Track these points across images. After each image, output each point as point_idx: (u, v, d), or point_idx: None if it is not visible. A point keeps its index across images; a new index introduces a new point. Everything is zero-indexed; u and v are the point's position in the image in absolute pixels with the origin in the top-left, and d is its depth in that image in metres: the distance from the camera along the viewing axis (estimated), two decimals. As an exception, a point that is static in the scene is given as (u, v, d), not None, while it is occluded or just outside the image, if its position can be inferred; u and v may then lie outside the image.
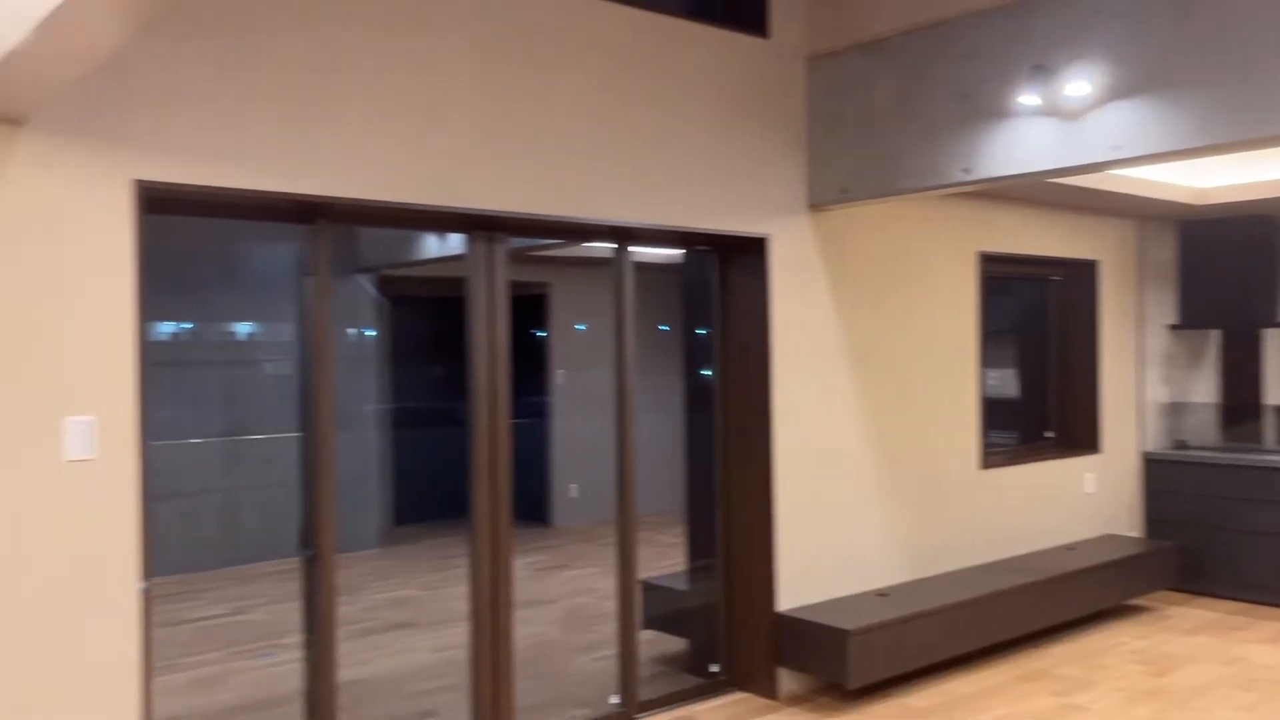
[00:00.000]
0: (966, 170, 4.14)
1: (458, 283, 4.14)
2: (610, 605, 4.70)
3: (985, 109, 4.05)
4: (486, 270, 4.02)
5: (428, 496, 8.57)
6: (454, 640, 5.38)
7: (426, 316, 9.03)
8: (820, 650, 4.45)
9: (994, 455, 5.85)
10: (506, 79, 3.78)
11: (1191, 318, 6.88)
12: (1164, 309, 6.96)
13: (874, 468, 5.08)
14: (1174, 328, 6.95)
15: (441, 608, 6.29)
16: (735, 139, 4.48)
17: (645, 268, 4.65)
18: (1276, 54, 3.27)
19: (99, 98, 2.92)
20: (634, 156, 4.15)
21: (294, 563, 6.30)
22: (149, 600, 3.05)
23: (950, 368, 5.51)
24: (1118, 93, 3.66)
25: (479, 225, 3.95)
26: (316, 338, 3.56)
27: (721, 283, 4.83)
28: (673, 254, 5.00)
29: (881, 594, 4.92)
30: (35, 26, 2.07)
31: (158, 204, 3.11)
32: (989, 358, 6.14)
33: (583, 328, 9.08)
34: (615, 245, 4.40)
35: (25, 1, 2.09)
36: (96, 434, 2.93)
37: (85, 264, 2.92)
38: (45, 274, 2.86)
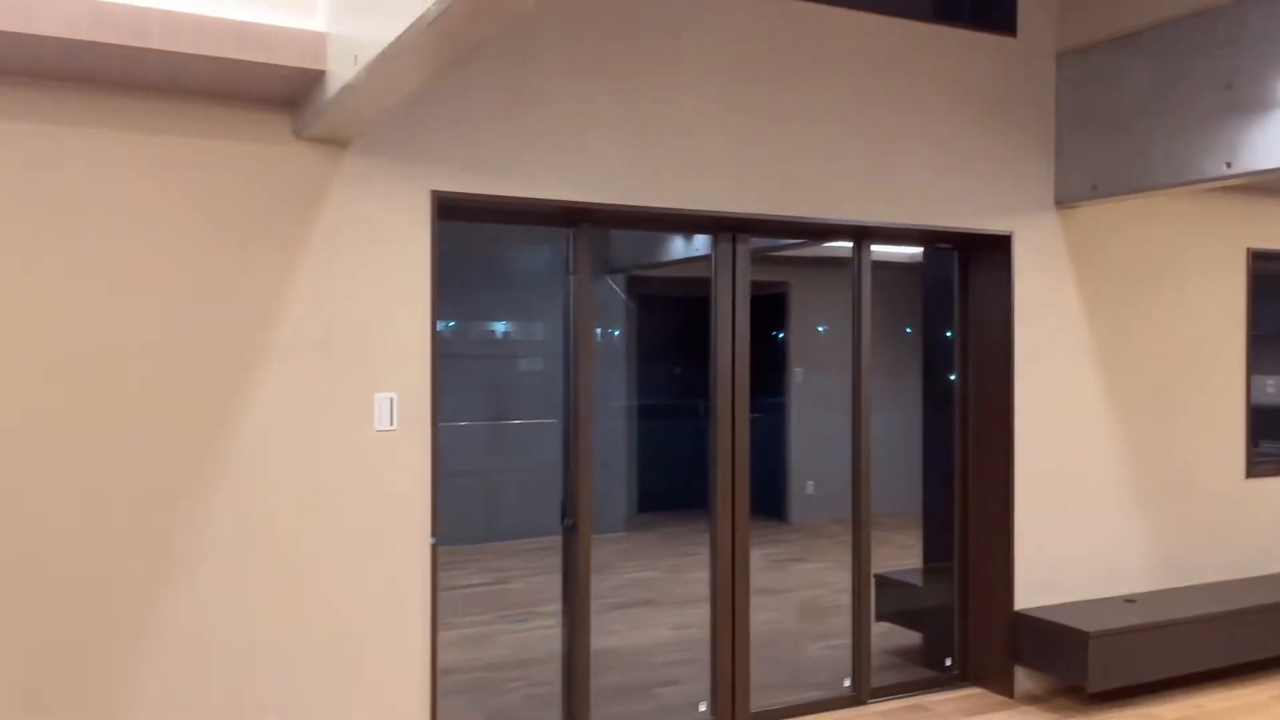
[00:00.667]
0: (1229, 164, 3.99)
1: (700, 283, 4.42)
2: (844, 599, 4.85)
3: (1249, 99, 3.89)
4: (730, 269, 4.29)
5: (667, 487, 8.96)
6: (692, 620, 5.69)
7: (669, 315, 9.45)
8: (1060, 651, 4.41)
9: (1263, 464, 5.50)
10: (752, 91, 4.02)
11: None
12: None
13: (1123, 472, 4.94)
14: None
15: (681, 590, 6.62)
16: (980, 137, 4.51)
17: (884, 267, 4.76)
18: None
19: (403, 122, 3.41)
20: (876, 157, 4.28)
21: (549, 540, 6.84)
22: (436, 553, 3.52)
23: (1212, 372, 5.25)
24: (1402, 77, 3.44)
25: (723, 226, 4.22)
26: (579, 330, 3.95)
27: (962, 281, 4.86)
28: (913, 253, 5.07)
29: (1129, 600, 4.79)
30: (366, 65, 2.52)
31: (449, 211, 3.58)
32: (1268, 363, 5.77)
33: (822, 329, 9.20)
34: (853, 244, 4.55)
35: (357, 43, 2.55)
36: (398, 409, 3.42)
37: (393, 263, 3.42)
38: (363, 272, 3.37)
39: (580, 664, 3.98)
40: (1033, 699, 4.60)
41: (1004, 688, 4.64)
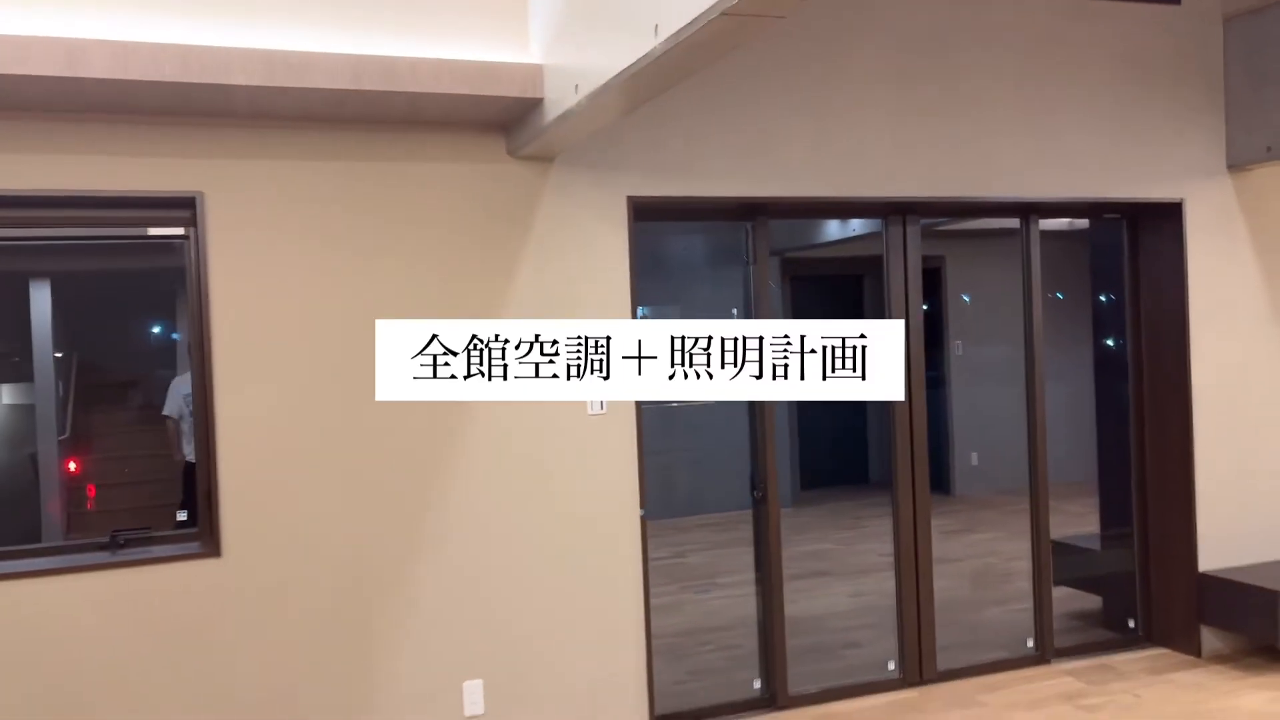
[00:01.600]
0: None
1: (854, 261, 4.63)
2: (1017, 565, 4.99)
3: None
4: (901, 250, 4.49)
5: (828, 464, 9.17)
6: (867, 588, 5.93)
7: (825, 295, 9.63)
8: (1248, 611, 4.45)
9: None
10: (917, 77, 4.21)
11: None
12: None
13: (1308, 432, 4.91)
14: None
15: (854, 560, 6.85)
16: (1146, 105, 4.57)
17: (1046, 235, 4.86)
18: None
19: (599, 135, 3.76)
20: (1041, 133, 4.41)
21: (719, 517, 7.15)
22: (645, 524, 3.88)
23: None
24: None
25: (893, 210, 4.42)
26: (759, 315, 4.24)
27: (1131, 250, 4.92)
28: (1077, 222, 5.15)
29: (1321, 561, 4.77)
30: (588, 95, 2.87)
31: (642, 213, 3.92)
32: None
33: (967, 299, 9.20)
34: (1020, 220, 4.68)
35: (578, 73, 2.90)
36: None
37: (597, 261, 3.79)
38: (571, 270, 3.76)
39: (776, 626, 4.28)
40: (1221, 658, 4.65)
41: (1191, 647, 4.71)
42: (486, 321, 3.58)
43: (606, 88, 2.75)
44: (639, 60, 2.50)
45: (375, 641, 3.53)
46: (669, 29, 2.33)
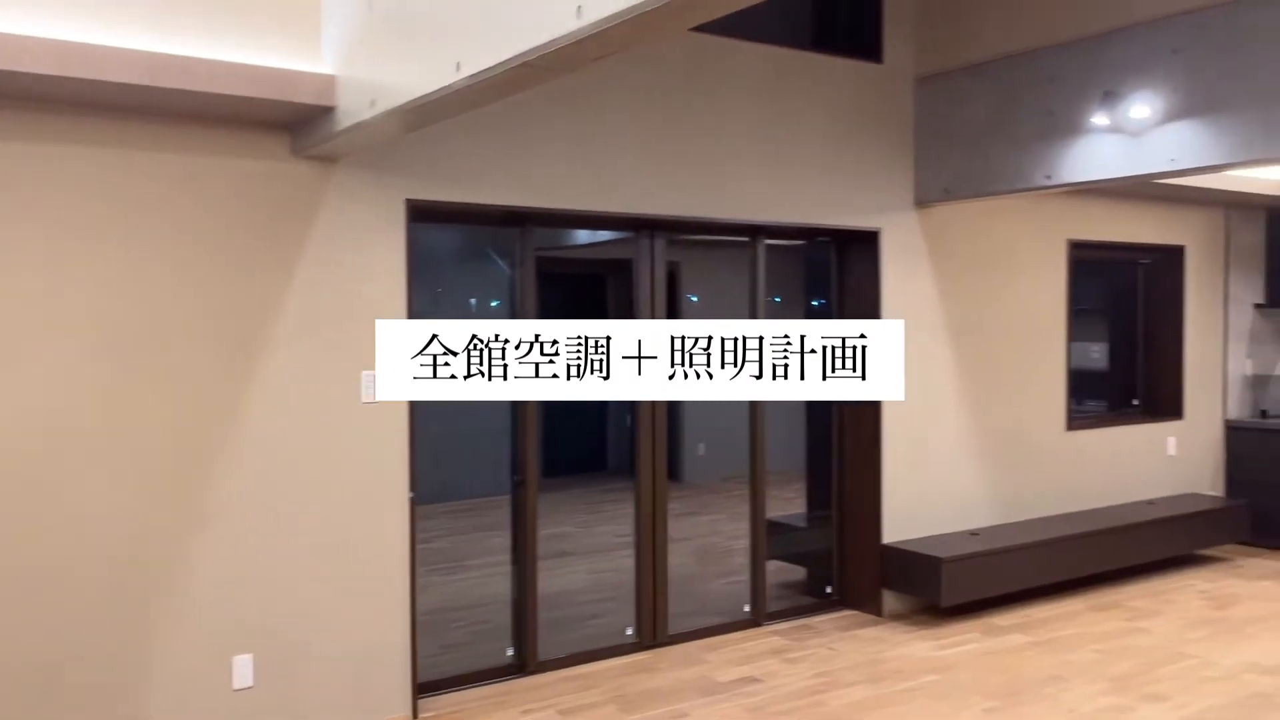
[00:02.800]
0: (1049, 176, 4.94)
1: (598, 264, 5.15)
2: (737, 544, 5.68)
3: (1065, 125, 4.84)
4: (649, 259, 5.03)
5: (569, 452, 9.70)
6: (605, 565, 6.46)
7: (568, 293, 10.14)
8: (918, 576, 5.36)
9: (1080, 419, 6.61)
10: (670, 110, 4.76)
11: (1278, 297, 7.45)
12: (1251, 289, 7.54)
13: (969, 428, 5.93)
14: (1260, 307, 7.52)
15: (593, 542, 7.37)
16: (853, 149, 5.37)
17: (770, 246, 5.58)
18: (1301, 88, 4.00)
19: (382, 139, 4.01)
20: (770, 166, 5.08)
21: (465, 504, 7.43)
22: (414, 506, 4.17)
23: (1040, 341, 6.30)
24: (1174, 115, 4.42)
25: (644, 225, 4.95)
26: (524, 313, 4.63)
27: (839, 268, 5.74)
28: (797, 241, 5.92)
29: (973, 533, 5.79)
30: (384, 111, 3.14)
31: (419, 215, 4.21)
32: (1082, 333, 6.88)
33: (694, 299, 10.05)
34: (750, 238, 5.36)
35: (375, 89, 3.16)
36: (379, 383, 4.06)
37: (376, 260, 4.04)
38: (351, 268, 3.98)
39: (530, 600, 4.70)
40: (897, 616, 5.56)
41: (874, 608, 5.58)
42: (261, 312, 3.74)
43: (403, 107, 3.04)
44: (438, 90, 2.82)
45: (147, 621, 3.61)
46: (470, 69, 2.67)
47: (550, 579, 6.36)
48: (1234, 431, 7.32)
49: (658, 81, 4.73)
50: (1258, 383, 7.59)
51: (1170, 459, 7.05)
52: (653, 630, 5.08)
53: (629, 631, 5.07)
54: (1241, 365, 7.48)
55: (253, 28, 3.43)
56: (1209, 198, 6.89)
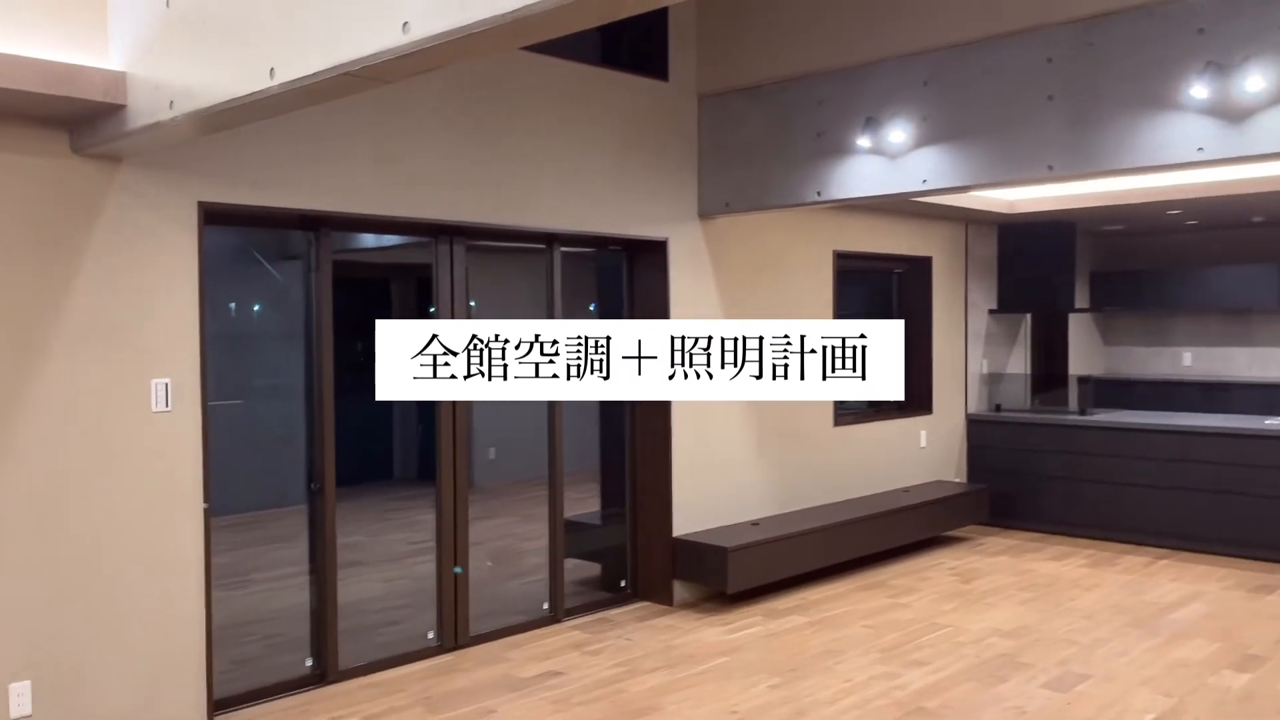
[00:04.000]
0: (819, 193, 5.38)
1: (385, 268, 5.17)
2: (532, 545, 5.83)
3: (832, 146, 5.30)
4: (449, 264, 5.09)
5: (354, 460, 9.50)
6: (399, 573, 6.43)
7: (355, 296, 9.93)
8: (706, 566, 5.69)
9: (845, 416, 7.19)
10: (470, 120, 4.84)
11: (1008, 303, 8.38)
12: (987, 296, 8.44)
13: (750, 427, 6.34)
14: (994, 312, 8.43)
15: (385, 550, 7.29)
16: (642, 162, 5.63)
17: (565, 255, 5.76)
18: (1024, 118, 4.58)
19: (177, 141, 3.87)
20: (565, 177, 5.26)
21: (243, 518, 7.16)
22: (209, 517, 4.05)
23: (811, 344, 6.80)
24: (926, 140, 4.94)
25: (443, 231, 5.00)
26: (319, 318, 4.58)
27: (630, 275, 5.99)
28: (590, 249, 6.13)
29: (754, 523, 6.19)
30: (185, 113, 3.07)
31: (213, 218, 4.08)
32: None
33: (474, 304, 10.11)
34: (546, 245, 5.51)
35: (172, 90, 3.09)
36: (172, 392, 3.91)
37: (165, 265, 3.89)
38: (139, 273, 3.82)
39: (329, 609, 4.64)
40: (687, 605, 5.86)
41: (666, 599, 5.86)
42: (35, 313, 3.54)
43: (207, 111, 2.98)
44: (249, 95, 2.80)
45: (-94, 653, 3.33)
46: (285, 75, 2.67)
47: (345, 589, 6.26)
48: (974, 424, 8.16)
49: (462, 90, 4.80)
50: (993, 380, 8.50)
51: (922, 450, 7.79)
52: (454, 632, 5.13)
53: (430, 635, 5.09)
54: (979, 364, 8.36)
55: (29, 18, 3.25)
56: (952, 214, 7.66)
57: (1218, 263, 9.16)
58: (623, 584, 6.00)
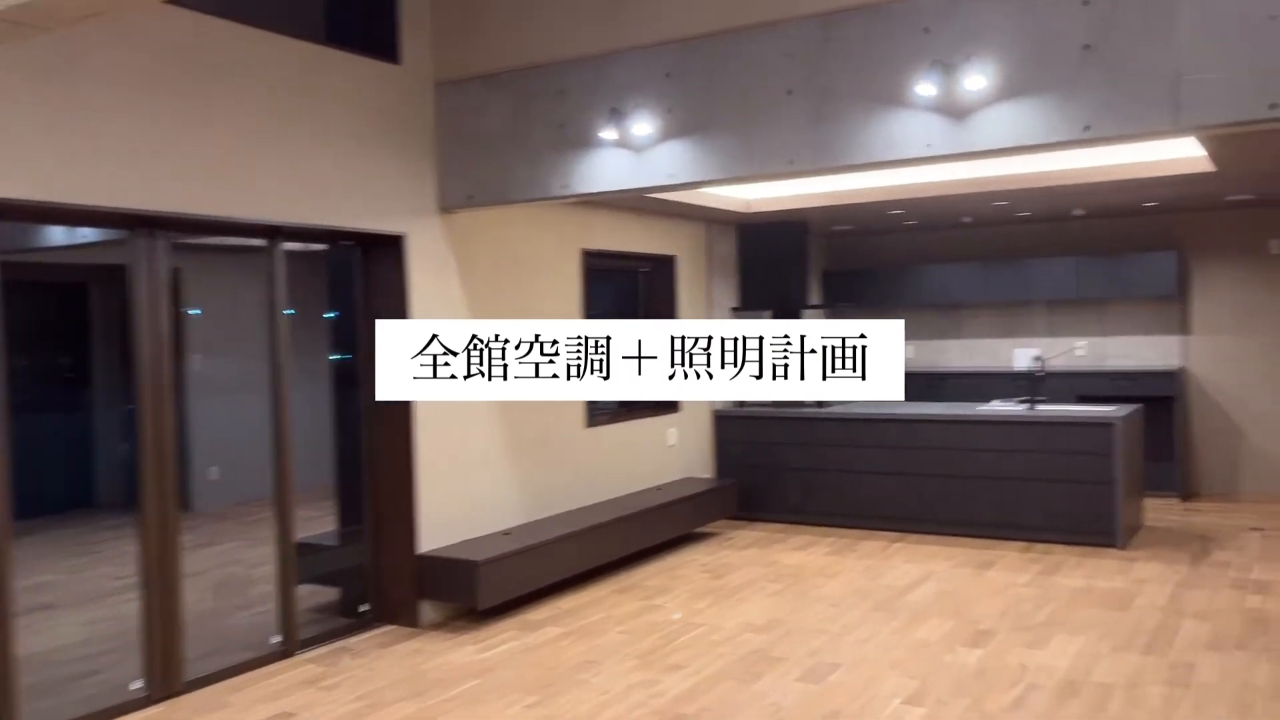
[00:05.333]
0: (564, 186, 5.18)
1: (85, 270, 4.51)
2: (260, 571, 5.26)
3: (576, 138, 5.11)
4: (149, 263, 4.46)
5: (49, 487, 8.37)
6: (104, 614, 5.65)
7: (43, 305, 8.75)
8: (455, 582, 5.35)
9: (597, 417, 7.06)
10: (174, 97, 4.25)
11: (749, 301, 8.56)
12: (729, 294, 8.59)
13: (500, 432, 6.05)
14: (736, 310, 8.60)
15: (85, 589, 6.42)
16: (375, 151, 5.21)
17: (290, 254, 5.24)
18: (766, 113, 4.58)
19: None
20: (291, 163, 4.76)
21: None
22: None
23: (559, 345, 6.61)
24: (671, 133, 4.85)
25: (142, 223, 4.38)
26: (-15, 326, 3.86)
27: (365, 273, 5.55)
28: (320, 245, 5.63)
29: (506, 533, 5.91)
30: None
31: None
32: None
33: (198, 312, 9.24)
34: (267, 241, 4.98)
35: None
36: None
37: None
38: None
39: (7, 667, 3.92)
40: (436, 625, 5.50)
41: (412, 620, 5.47)
42: None
43: None
44: None
45: None
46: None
47: (34, 638, 5.40)
48: (720, 420, 8.27)
49: (160, 62, 4.20)
50: (737, 376, 8.65)
51: (671, 448, 7.79)
52: (165, 679, 4.51)
53: (136, 685, 4.44)
54: (724, 362, 8.48)
55: None
56: (694, 213, 7.72)
57: (933, 261, 9.81)
58: (364, 608, 5.54)
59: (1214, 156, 5.77)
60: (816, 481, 7.83)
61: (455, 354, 5.72)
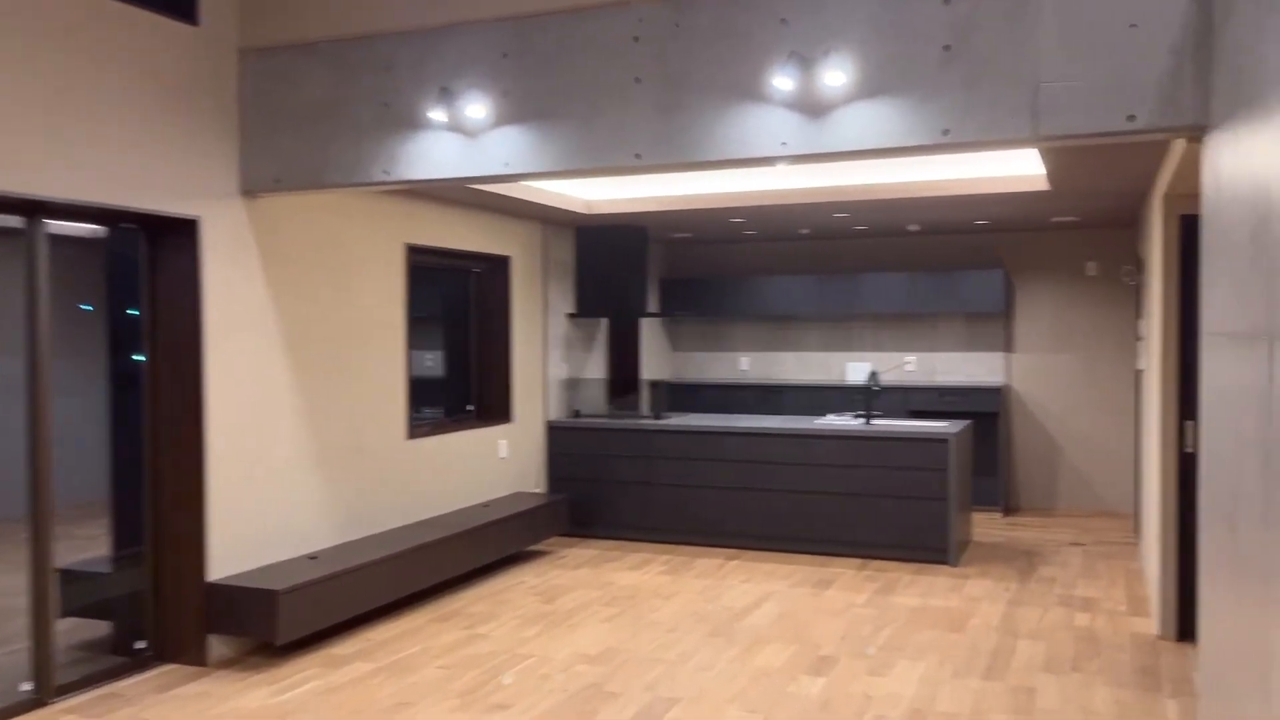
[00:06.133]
0: (386, 171, 4.66)
1: None
2: (15, 602, 4.50)
3: (402, 119, 4.61)
4: None
5: None
6: None
7: None
8: (251, 613, 4.72)
9: (420, 427, 6.51)
10: (-108, 33, 3.51)
11: (586, 307, 8.19)
12: (565, 299, 8.20)
13: (309, 442, 5.44)
14: (572, 316, 8.21)
15: None
16: (165, 121, 4.55)
17: (62, 241, 4.51)
18: (611, 101, 4.22)
19: None
20: (58, 128, 4.05)
21: None
22: None
23: (380, 348, 6.05)
24: (507, 119, 4.41)
25: None
26: None
27: (151, 263, 4.85)
28: (97, 229, 4.88)
29: (312, 557, 5.31)
30: None
31: None
32: (423, 340, 6.83)
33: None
34: (24, 220, 4.24)
35: None
36: None
37: None
38: None
39: None
40: (226, 663, 4.84)
41: (198, 658, 4.79)
42: None
43: None
44: None
45: None
46: None
47: None
48: (554, 431, 7.86)
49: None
50: (572, 385, 8.27)
51: (502, 461, 7.32)
52: (-123, 742, 3.71)
53: None
54: (559, 369, 8.09)
55: None
56: (531, 212, 7.29)
57: (770, 273, 9.73)
58: (141, 645, 4.83)
59: (1052, 176, 5.80)
60: (652, 496, 7.53)
61: (257, 355, 5.10)
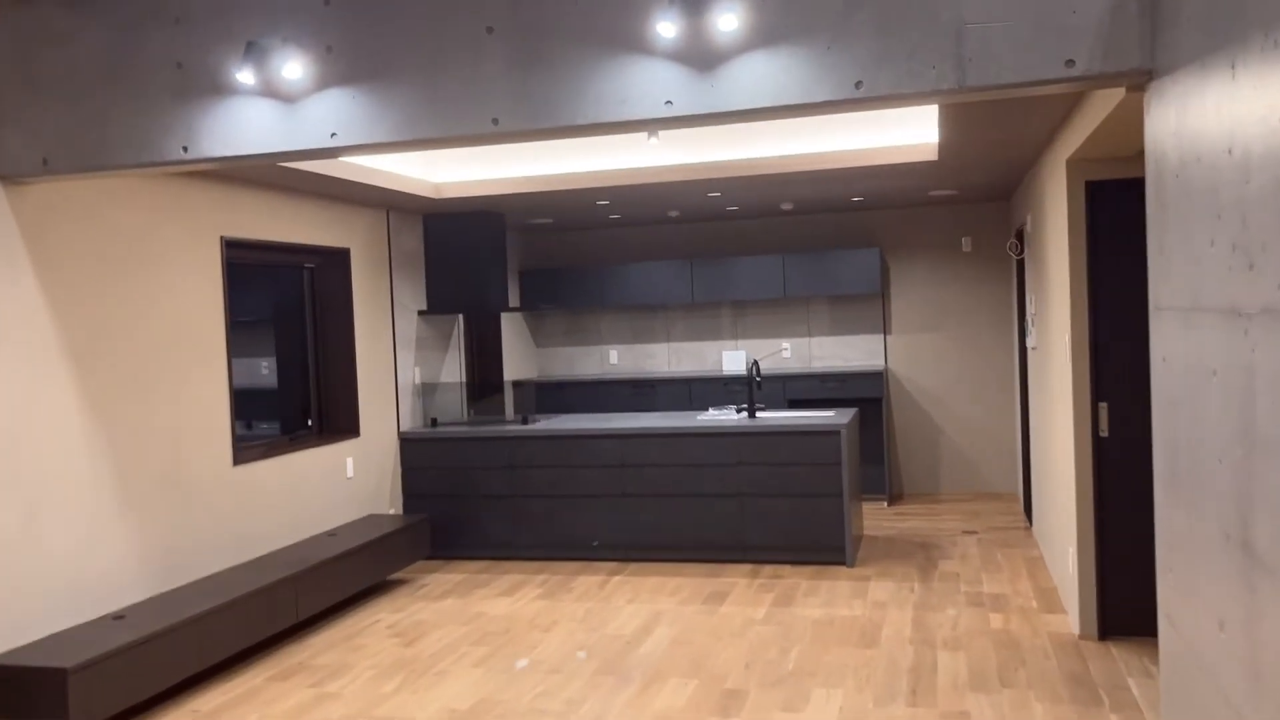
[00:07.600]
0: (185, 149, 3.81)
1: None
2: None
3: (203, 83, 3.76)
4: None
5: None
6: None
7: None
8: (32, 698, 3.80)
9: (249, 449, 5.62)
10: None
11: (438, 303, 7.41)
12: (415, 295, 7.38)
13: (108, 476, 4.52)
14: (423, 313, 7.41)
15: None
16: (-118, 86, 3.57)
17: None
18: (460, 56, 3.51)
19: None
20: None
21: None
22: None
23: (196, 360, 5.14)
24: (334, 80, 3.64)
25: None
26: None
27: (-123, 267, 3.85)
28: None
29: (119, 616, 4.40)
30: None
31: None
32: (254, 348, 5.93)
33: None
34: None
35: None
36: None
37: None
38: None
39: None
40: (7, 761, 3.91)
41: (-31, 758, 3.85)
42: None
43: None
44: None
45: None
46: None
47: None
48: (408, 444, 7.06)
49: None
50: (427, 390, 7.48)
51: (349, 481, 6.48)
52: None
53: None
54: (411, 374, 7.28)
55: None
56: (371, 197, 6.46)
57: (637, 259, 9.14)
58: (-111, 749, 3.84)
59: (944, 145, 5.38)
60: (522, 510, 6.83)
61: (29, 373, 4.17)
